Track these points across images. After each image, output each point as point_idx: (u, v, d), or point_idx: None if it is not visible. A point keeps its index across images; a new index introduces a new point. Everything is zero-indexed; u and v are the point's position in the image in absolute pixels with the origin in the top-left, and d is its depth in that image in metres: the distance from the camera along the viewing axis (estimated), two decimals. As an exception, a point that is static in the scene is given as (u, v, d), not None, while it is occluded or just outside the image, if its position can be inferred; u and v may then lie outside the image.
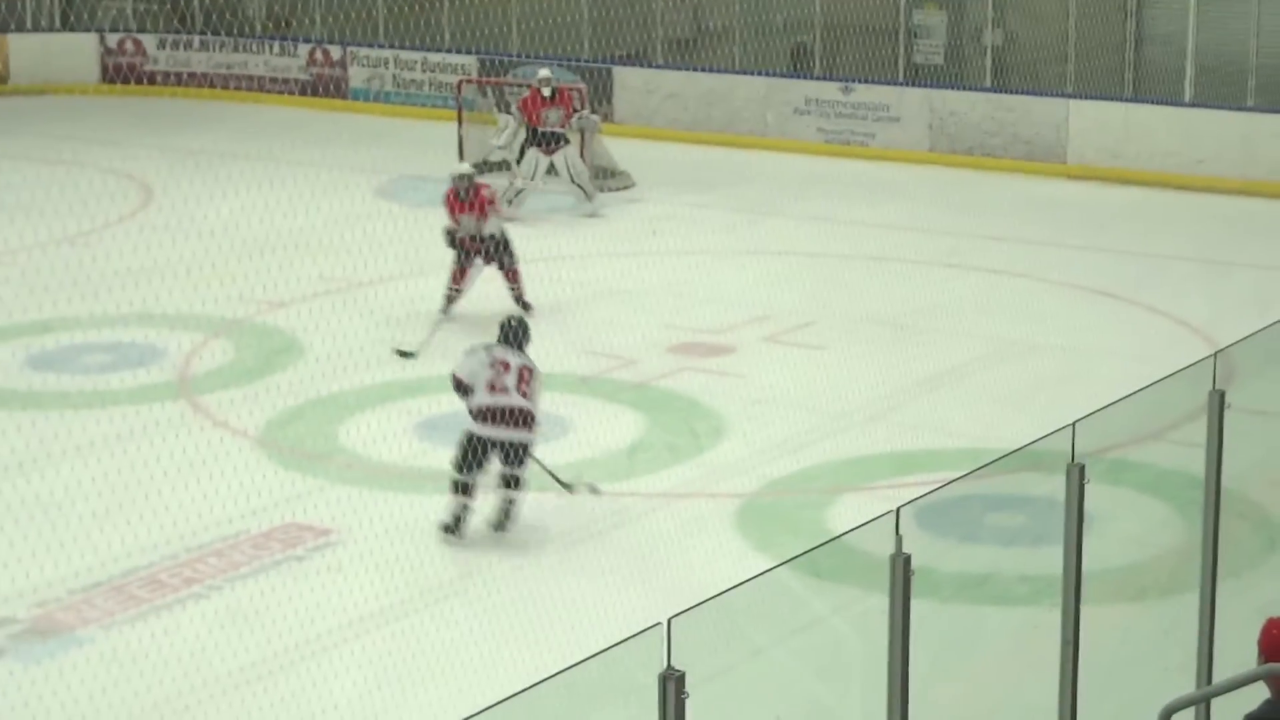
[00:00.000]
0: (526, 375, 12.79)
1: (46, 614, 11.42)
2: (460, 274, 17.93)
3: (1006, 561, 10.96)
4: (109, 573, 11.99)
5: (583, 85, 25.20)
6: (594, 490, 13.28)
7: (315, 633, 11.20)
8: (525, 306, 17.57)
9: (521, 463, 12.64)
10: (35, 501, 13.28)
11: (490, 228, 17.91)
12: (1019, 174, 24.82)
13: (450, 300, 17.90)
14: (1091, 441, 8.60)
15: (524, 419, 12.66)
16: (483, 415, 12.63)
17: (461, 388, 12.83)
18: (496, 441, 12.60)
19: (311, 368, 16.35)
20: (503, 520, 12.63)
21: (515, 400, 12.64)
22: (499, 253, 17.89)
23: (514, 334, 12.99)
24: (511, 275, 18.09)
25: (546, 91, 22.54)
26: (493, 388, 12.66)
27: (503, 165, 23.83)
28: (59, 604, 11.55)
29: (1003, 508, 11.10)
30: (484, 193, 17.92)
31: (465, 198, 17.80)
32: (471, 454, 12.55)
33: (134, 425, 14.92)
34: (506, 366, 12.76)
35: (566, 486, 13.15)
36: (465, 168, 18.70)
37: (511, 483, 12.62)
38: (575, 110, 23.03)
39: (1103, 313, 18.23)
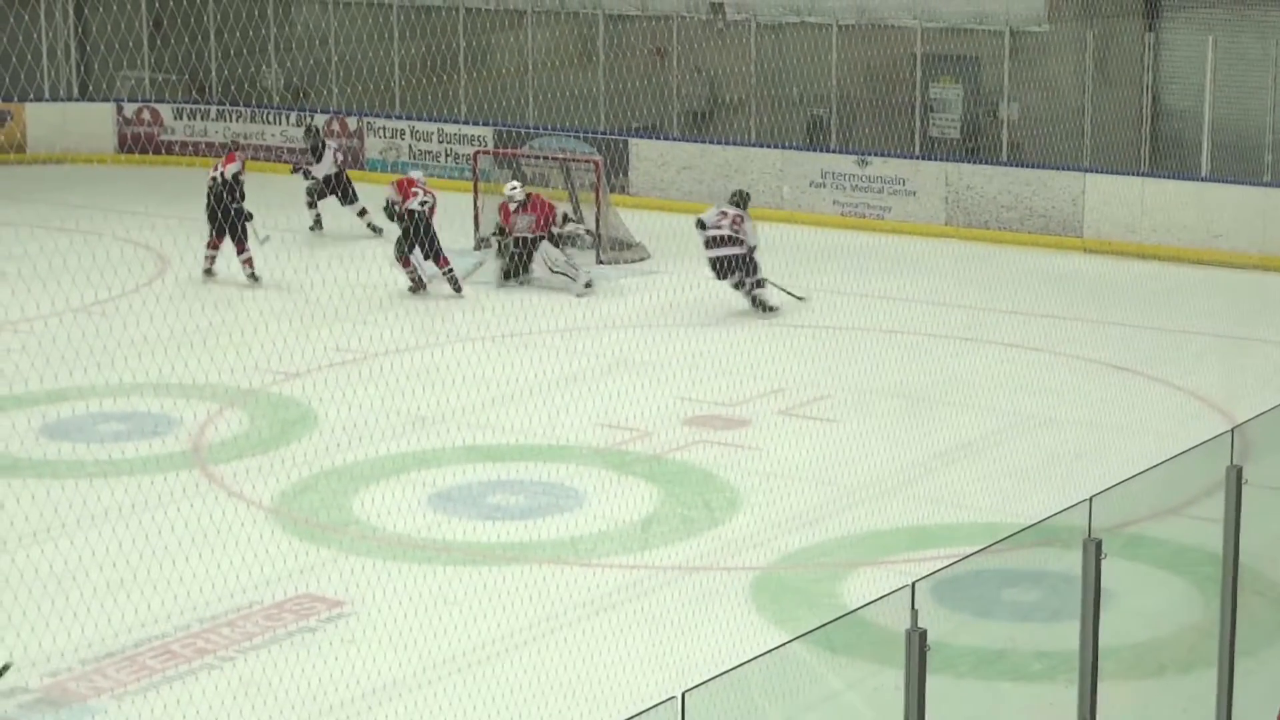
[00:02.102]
0: None
1: (58, 683, 11.37)
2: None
3: (1023, 637, 10.89)
4: (121, 643, 11.95)
5: (599, 157, 25.24)
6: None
7: (327, 705, 11.14)
8: None
9: None
10: (48, 570, 13.25)
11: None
12: (1035, 248, 24.82)
13: None
14: (1108, 517, 8.56)
15: None
16: None
17: None
18: None
19: (325, 438, 16.34)
20: None
21: None
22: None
23: None
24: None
25: (513, 206, 22.71)
26: None
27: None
28: (71, 674, 11.51)
29: (1019, 583, 11.05)
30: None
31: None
32: None
33: (148, 495, 14.90)
34: None
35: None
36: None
37: None
38: (548, 214, 23.00)
39: (1119, 387, 18.18)
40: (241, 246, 22.63)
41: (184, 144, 31.93)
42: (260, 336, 19.77)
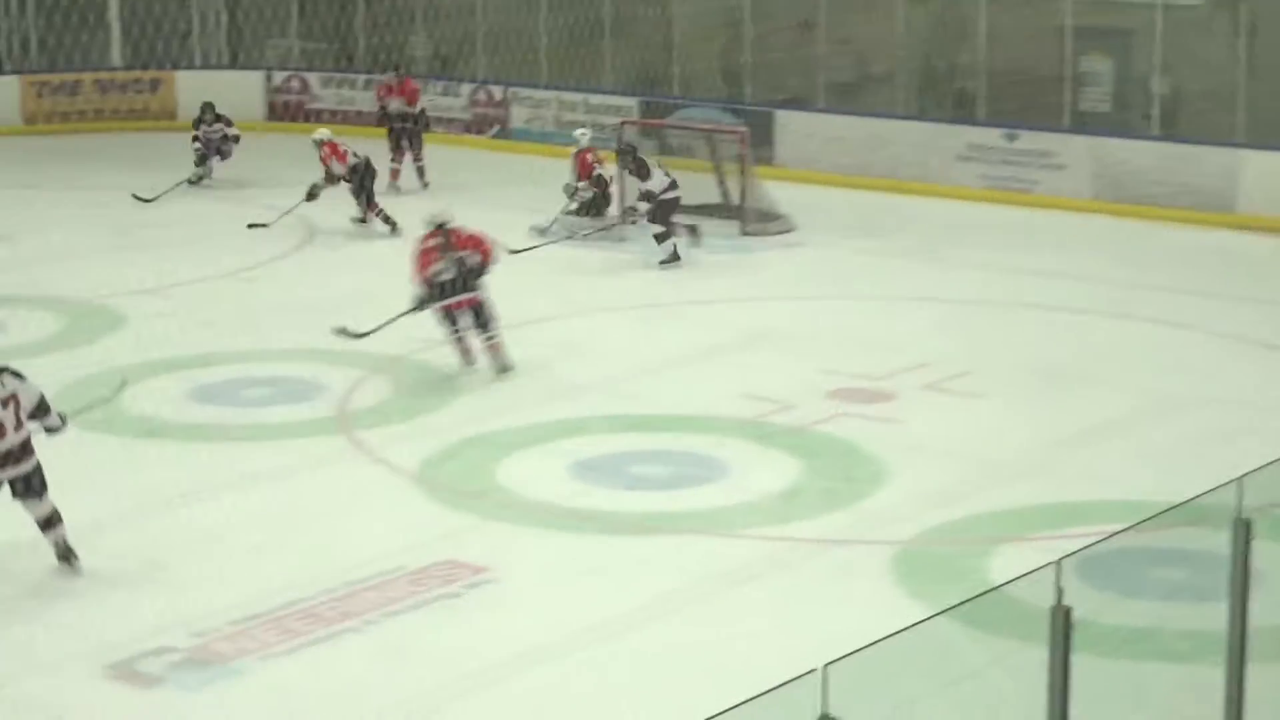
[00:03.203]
0: None
1: (205, 644, 11.51)
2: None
3: (1170, 617, 10.78)
4: (267, 605, 12.07)
5: (744, 129, 25.18)
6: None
7: (469, 670, 11.20)
8: None
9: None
10: (196, 533, 13.43)
11: None
12: (1186, 224, 24.48)
13: None
14: (1258, 497, 8.45)
15: None
16: None
17: None
18: None
19: (470, 406, 16.43)
20: None
21: None
22: None
23: None
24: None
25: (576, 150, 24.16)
26: None
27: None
28: (218, 634, 11.64)
29: (1166, 562, 10.94)
30: None
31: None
32: None
33: (294, 460, 15.06)
34: None
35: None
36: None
37: None
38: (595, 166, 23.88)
39: (1270, 366, 17.93)
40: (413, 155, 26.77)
41: (332, 112, 32.17)
42: (406, 302, 19.88)
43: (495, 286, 19.46)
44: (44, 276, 20.88)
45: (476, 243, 17.63)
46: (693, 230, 22.36)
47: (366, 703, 10.79)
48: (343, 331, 17.82)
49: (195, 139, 27.13)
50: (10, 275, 21.26)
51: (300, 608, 12.04)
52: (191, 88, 32.72)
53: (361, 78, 32.04)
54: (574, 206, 23.61)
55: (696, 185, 24.21)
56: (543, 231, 23.10)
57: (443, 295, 17.45)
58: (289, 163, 28.93)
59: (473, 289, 17.46)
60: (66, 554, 12.65)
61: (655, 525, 13.61)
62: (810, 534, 13.46)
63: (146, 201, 23.71)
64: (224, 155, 27.16)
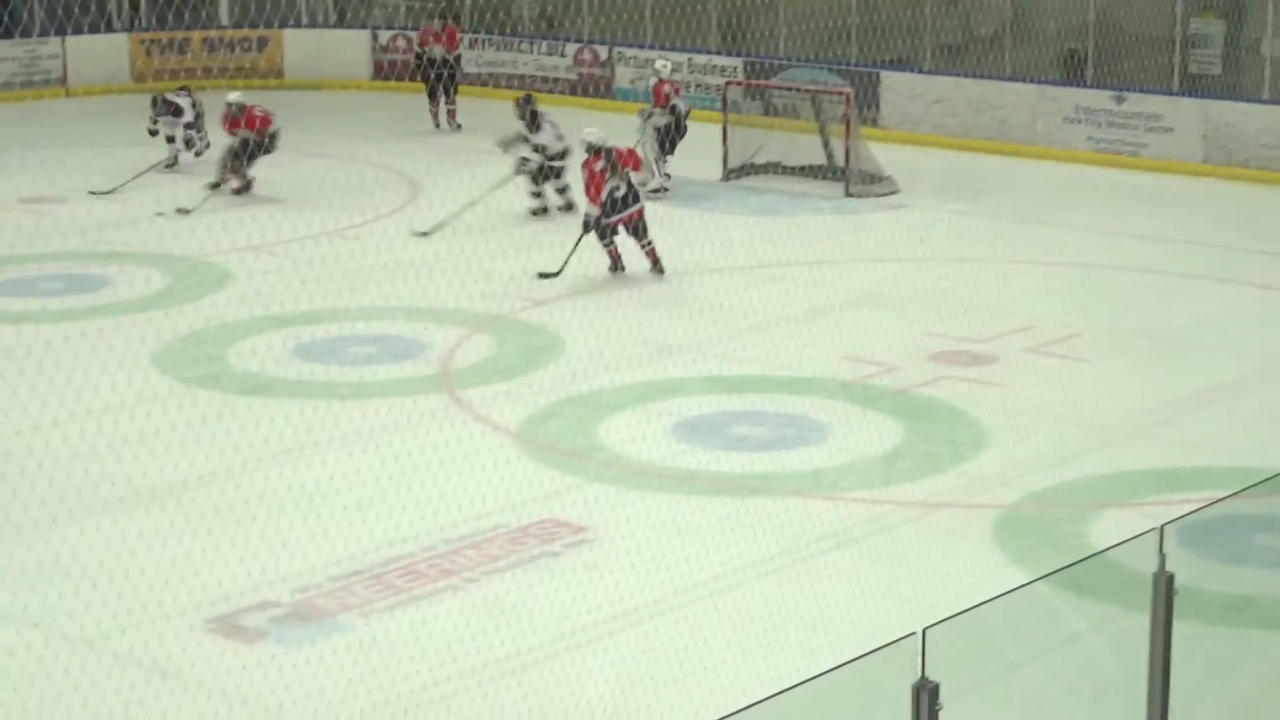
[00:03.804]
0: None
1: (308, 599, 11.60)
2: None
3: (1273, 584, 10.67)
4: (369, 561, 12.16)
5: (849, 90, 25.06)
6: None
7: (569, 628, 11.24)
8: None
9: None
10: (300, 489, 13.53)
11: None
12: (1296, 187, 24.20)
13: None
14: (1367, 464, 8.35)
15: None
16: None
17: None
18: None
19: (571, 365, 16.46)
20: None
21: None
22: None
23: None
24: None
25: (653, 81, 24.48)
26: None
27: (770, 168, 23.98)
28: (320, 590, 11.73)
29: (1270, 530, 10.82)
30: None
31: None
32: None
33: (396, 417, 15.13)
34: None
35: None
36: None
37: None
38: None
39: (1381, 332, 17.70)
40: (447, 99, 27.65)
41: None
42: (509, 263, 19.98)
43: (592, 247, 19.54)
44: (152, 233, 21.05)
45: (633, 159, 19.77)
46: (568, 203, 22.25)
47: (465, 659, 10.84)
48: (543, 275, 19.15)
49: (153, 133, 25.36)
50: (119, 232, 21.45)
51: (401, 564, 12.11)
52: (299, 46, 32.94)
53: (467, 37, 32.08)
54: (647, 133, 23.54)
55: (801, 146, 24.15)
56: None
57: (615, 211, 19.32)
58: (394, 121, 29.10)
59: (638, 201, 19.46)
60: None
61: (755, 486, 13.60)
62: (911, 497, 13.42)
63: (105, 194, 23.40)
64: (191, 145, 25.22)
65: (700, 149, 24.17)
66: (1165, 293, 19.01)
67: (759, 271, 19.95)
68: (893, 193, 23.78)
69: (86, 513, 13.06)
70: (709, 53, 29.75)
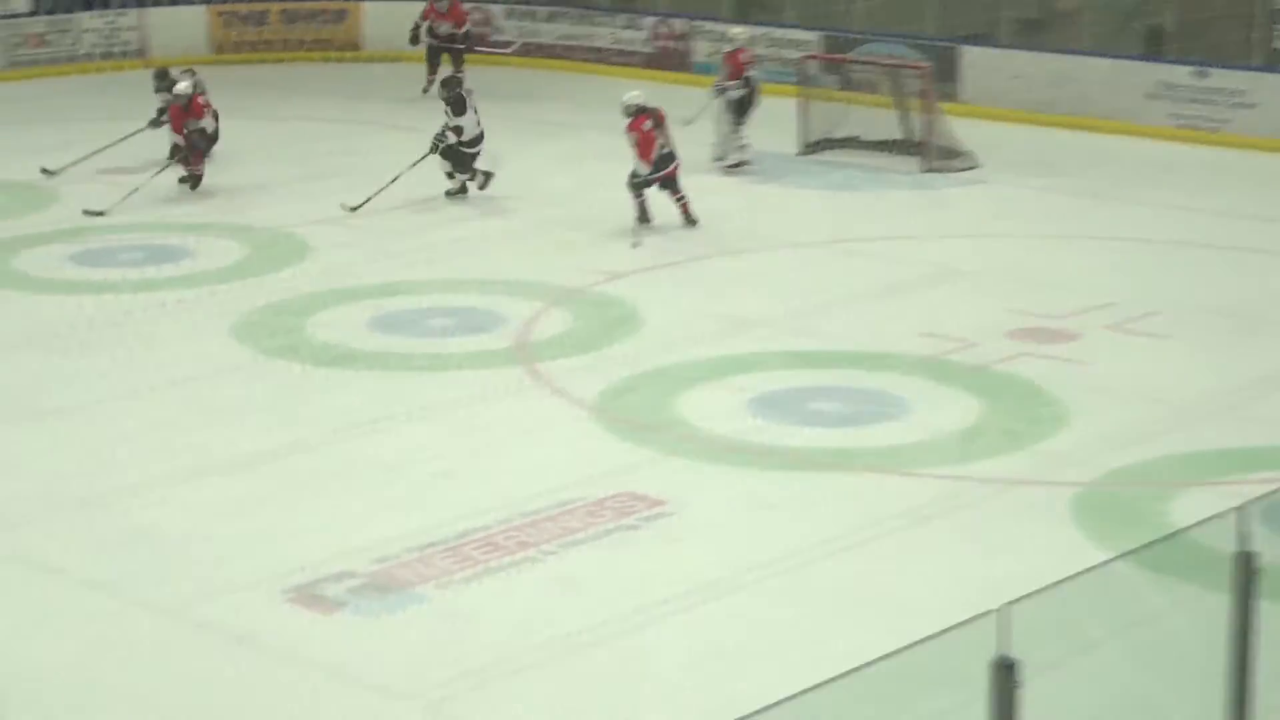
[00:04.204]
0: None
1: (385, 570, 11.65)
2: None
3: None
4: (446, 533, 12.19)
5: (927, 64, 24.92)
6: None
7: (646, 602, 11.25)
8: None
9: None
10: (378, 460, 13.60)
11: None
12: (1381, 165, 23.96)
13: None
14: None
15: None
16: None
17: None
18: None
19: (649, 339, 16.45)
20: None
21: None
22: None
23: None
24: None
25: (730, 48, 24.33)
26: None
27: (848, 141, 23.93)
28: (397, 561, 11.77)
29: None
30: None
31: None
32: None
33: (474, 390, 15.17)
34: None
35: None
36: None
37: None
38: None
39: None
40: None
41: (521, 44, 32.23)
42: (586, 236, 19.99)
43: (670, 222, 19.54)
44: (231, 205, 21.15)
45: (665, 117, 20.56)
46: (487, 177, 22.02)
47: (542, 632, 10.88)
48: (636, 244, 19.49)
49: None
50: (199, 204, 21.56)
51: (478, 537, 12.15)
52: (376, 18, 32.99)
53: (544, 10, 32.09)
54: (721, 106, 23.50)
55: (879, 121, 24.05)
56: (688, 122, 22.99)
57: (661, 168, 20.13)
58: (478, 95, 29.10)
59: (675, 159, 20.28)
60: None
61: (832, 462, 13.57)
62: (989, 474, 13.37)
63: (51, 174, 22.72)
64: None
65: (777, 124, 24.09)
66: (1246, 270, 18.86)
67: (836, 247, 19.90)
68: (972, 168, 23.65)
69: (168, 482, 13.16)
70: (787, 26, 29.63)
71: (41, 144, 24.42)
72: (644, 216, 20.19)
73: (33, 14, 31.79)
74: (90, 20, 32.21)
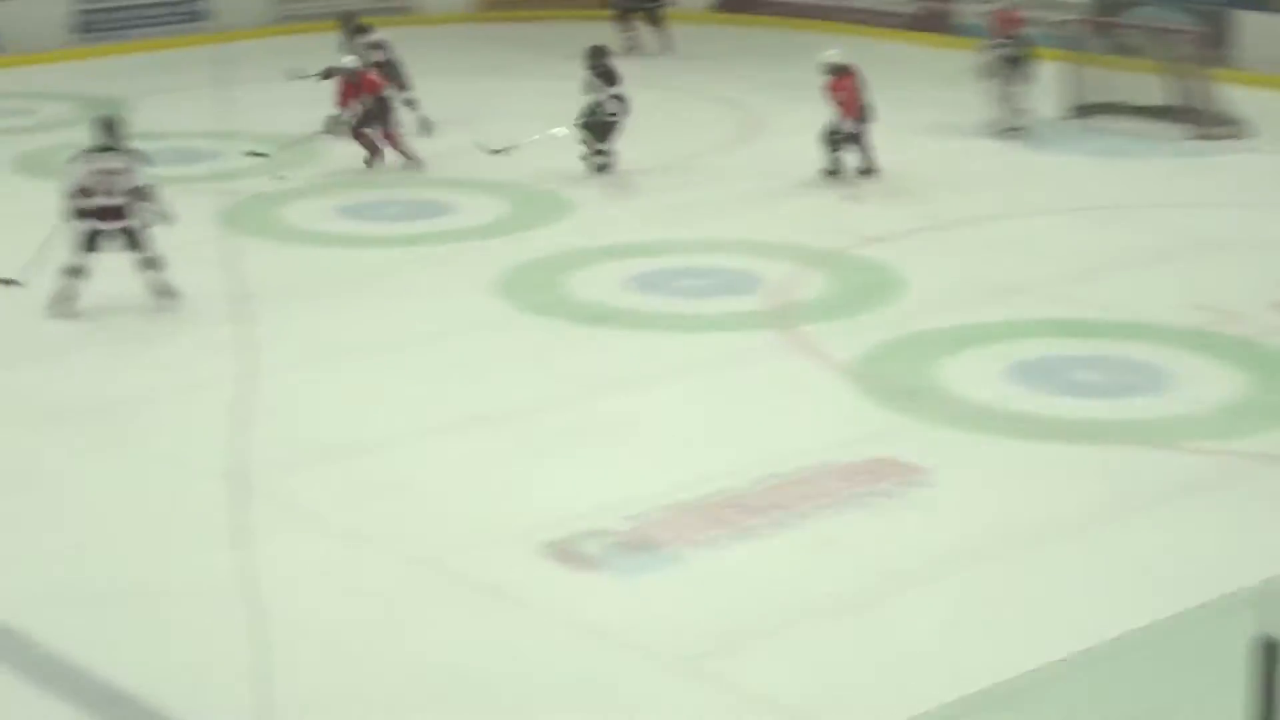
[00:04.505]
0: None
1: (639, 528, 11.70)
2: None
3: None
4: (700, 493, 12.21)
5: (1200, 28, 24.34)
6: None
7: (899, 569, 11.19)
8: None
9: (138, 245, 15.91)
10: (632, 418, 13.66)
11: None
12: None
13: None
14: None
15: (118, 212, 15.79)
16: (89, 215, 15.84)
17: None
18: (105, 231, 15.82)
19: (908, 304, 16.32)
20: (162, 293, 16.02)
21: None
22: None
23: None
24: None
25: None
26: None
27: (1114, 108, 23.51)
28: (650, 520, 11.82)
29: None
30: None
31: None
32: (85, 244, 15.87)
33: (729, 350, 15.17)
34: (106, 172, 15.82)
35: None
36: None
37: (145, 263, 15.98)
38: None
39: None
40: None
41: (775, 4, 32.16)
42: (845, 199, 19.88)
43: (954, 185, 19.36)
44: (497, 161, 21.32)
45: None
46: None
47: (795, 595, 10.87)
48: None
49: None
50: (463, 159, 21.79)
51: (731, 498, 12.15)
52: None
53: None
54: (991, 69, 23.15)
55: (1148, 87, 23.57)
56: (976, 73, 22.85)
57: (861, 122, 20.41)
58: (736, 54, 29.13)
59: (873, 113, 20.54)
60: (165, 291, 16.08)
61: (1092, 433, 13.36)
62: (1255, 449, 13.07)
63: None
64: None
65: (1043, 88, 23.72)
66: None
67: (1101, 213, 19.56)
68: (1244, 136, 23.10)
69: (427, 434, 13.35)
70: (1056, -11, 29.14)
71: (314, 95, 24.84)
72: (835, 169, 20.44)
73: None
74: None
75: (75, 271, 15.91)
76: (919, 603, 10.81)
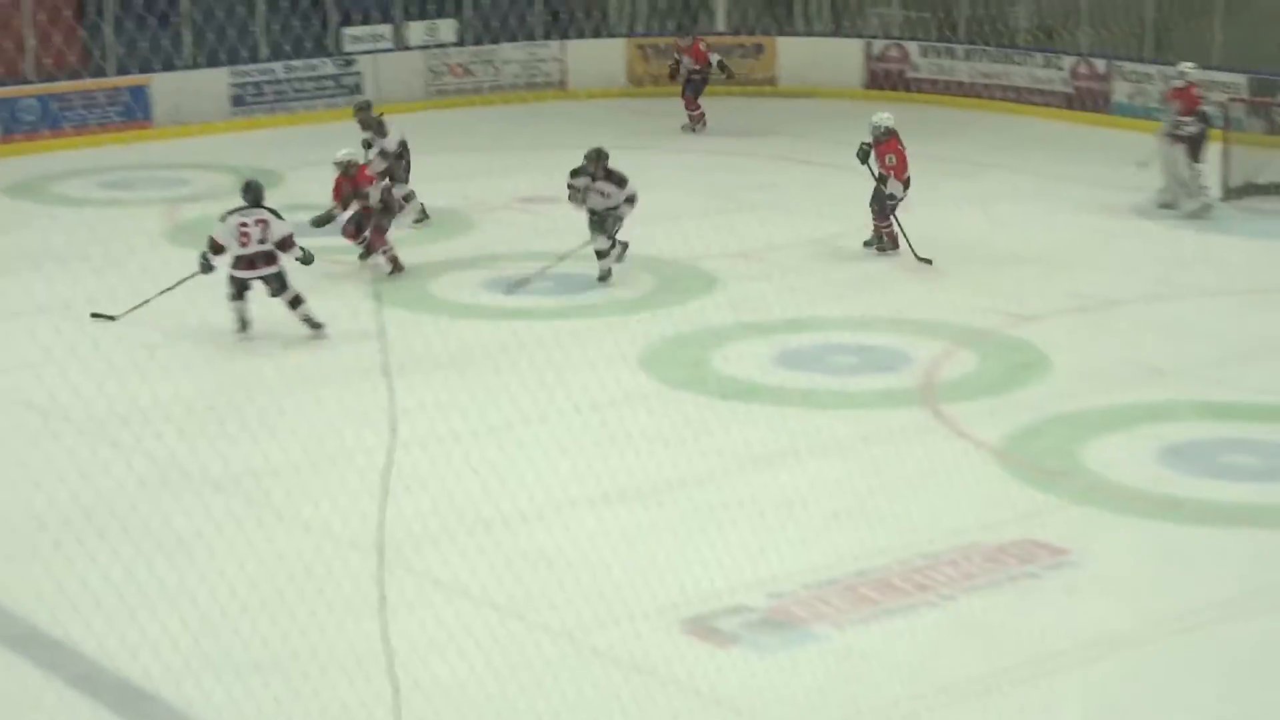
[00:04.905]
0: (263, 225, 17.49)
1: (782, 605, 11.62)
2: None
3: None
4: (843, 571, 12.12)
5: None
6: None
7: (1045, 652, 11.02)
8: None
9: (283, 288, 17.65)
10: (778, 495, 13.57)
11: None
12: None
13: None
14: None
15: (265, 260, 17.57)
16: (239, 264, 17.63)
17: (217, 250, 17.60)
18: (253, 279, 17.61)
19: (1057, 384, 16.15)
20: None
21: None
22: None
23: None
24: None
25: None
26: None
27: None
28: (793, 597, 11.73)
29: None
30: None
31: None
32: (235, 291, 17.72)
33: (876, 428, 15.07)
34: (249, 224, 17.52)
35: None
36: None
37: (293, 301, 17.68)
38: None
39: None
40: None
41: (930, 82, 32.09)
42: (996, 277, 19.74)
43: (1107, 265, 19.14)
44: (649, 235, 21.36)
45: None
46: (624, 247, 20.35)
47: (939, 676, 10.74)
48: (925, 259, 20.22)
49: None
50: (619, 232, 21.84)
51: (875, 577, 12.05)
52: (792, 54, 33.15)
53: (961, 48, 31.85)
54: (1174, 147, 22.80)
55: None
56: (1142, 165, 22.51)
57: (906, 190, 20.65)
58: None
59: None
60: (314, 325, 17.67)
61: (1246, 517, 13.13)
62: None
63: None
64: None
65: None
66: None
67: (1255, 296, 19.29)
68: None
69: (570, 507, 13.34)
70: (1211, 68, 28.86)
71: (460, 171, 25.07)
72: (888, 244, 20.72)
73: (458, 44, 32.71)
74: (513, 51, 33.01)
75: (240, 321, 17.82)
76: (1065, 688, 10.65)
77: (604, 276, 19.84)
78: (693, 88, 29.58)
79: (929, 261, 20.14)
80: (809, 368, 16.70)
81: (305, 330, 17.68)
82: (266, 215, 17.64)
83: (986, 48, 31.48)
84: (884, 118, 20.83)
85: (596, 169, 19.85)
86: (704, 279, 19.85)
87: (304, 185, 23.51)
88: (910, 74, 32.40)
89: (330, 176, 20.09)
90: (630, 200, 19.87)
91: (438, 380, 16.24)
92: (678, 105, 29.76)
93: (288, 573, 12.24)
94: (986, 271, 20.07)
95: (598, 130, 28.35)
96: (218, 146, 27.96)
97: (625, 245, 20.05)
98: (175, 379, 16.41)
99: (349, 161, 20.05)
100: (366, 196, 19.96)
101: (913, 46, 32.53)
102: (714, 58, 29.58)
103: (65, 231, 22.46)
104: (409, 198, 22.12)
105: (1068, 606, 11.66)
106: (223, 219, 17.68)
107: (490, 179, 23.80)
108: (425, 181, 22.97)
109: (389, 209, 20.26)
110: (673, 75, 30.01)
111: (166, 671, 10.81)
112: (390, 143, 22.15)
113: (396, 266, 20.15)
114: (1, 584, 12.08)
